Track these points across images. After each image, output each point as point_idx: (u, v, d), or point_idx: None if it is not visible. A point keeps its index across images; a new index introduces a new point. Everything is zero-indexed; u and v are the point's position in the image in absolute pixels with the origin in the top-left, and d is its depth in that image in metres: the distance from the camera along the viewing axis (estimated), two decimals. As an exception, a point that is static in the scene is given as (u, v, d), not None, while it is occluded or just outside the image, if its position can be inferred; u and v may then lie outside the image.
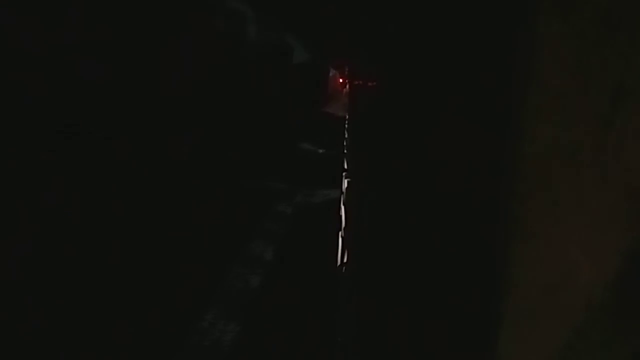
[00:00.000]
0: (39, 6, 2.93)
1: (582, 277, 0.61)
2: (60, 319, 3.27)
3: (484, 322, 0.80)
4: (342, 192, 7.74)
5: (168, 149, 5.35)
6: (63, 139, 3.15)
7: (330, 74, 27.58)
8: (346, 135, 13.24)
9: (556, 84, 0.62)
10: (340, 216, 6.52)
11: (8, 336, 2.85)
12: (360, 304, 3.34)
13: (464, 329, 1.00)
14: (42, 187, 2.96)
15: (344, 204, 6.79)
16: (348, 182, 7.45)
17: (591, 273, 0.60)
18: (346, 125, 14.95)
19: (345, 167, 9.16)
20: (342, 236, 5.51)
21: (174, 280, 4.36)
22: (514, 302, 0.71)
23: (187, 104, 5.75)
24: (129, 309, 3.76)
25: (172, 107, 5.24)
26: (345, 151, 11.00)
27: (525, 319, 0.70)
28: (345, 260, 4.73)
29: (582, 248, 0.61)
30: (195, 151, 6.39)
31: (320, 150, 13.10)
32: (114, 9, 3.70)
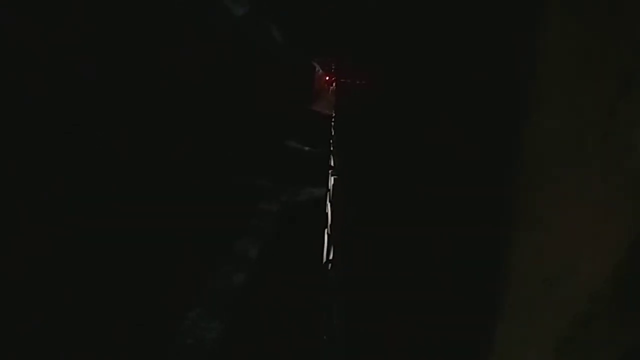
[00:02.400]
0: (39, 6, 2.92)
1: (585, 268, 0.60)
2: (51, 318, 3.25)
3: (482, 314, 0.80)
4: (328, 190, 7.79)
5: (161, 149, 5.32)
6: (63, 139, 3.14)
7: (317, 72, 27.50)
8: (333, 133, 13.26)
9: (561, 73, 0.61)
10: (327, 214, 6.57)
11: (7, 336, 2.83)
12: (347, 300, 3.37)
13: (461, 320, 1.02)
14: (42, 187, 2.95)
15: (330, 202, 6.84)
16: (334, 179, 7.51)
17: (594, 264, 0.59)
18: (332, 123, 14.97)
19: (332, 164, 9.21)
20: (328, 233, 5.56)
21: (159, 278, 4.31)
22: (515, 293, 0.71)
23: (179, 104, 5.72)
24: (115, 307, 3.72)
25: (166, 107, 5.21)
26: (331, 149, 11.05)
27: (526, 310, 0.69)
28: (331, 257, 4.79)
29: (585, 239, 0.60)
30: (184, 150, 6.36)
31: (306, 148, 13.11)
32: (114, 9, 3.68)
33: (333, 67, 25.85)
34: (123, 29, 3.83)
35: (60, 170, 3.14)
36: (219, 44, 7.37)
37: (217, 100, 7.77)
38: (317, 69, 27.13)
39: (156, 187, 5.26)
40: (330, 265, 4.66)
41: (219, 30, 7.21)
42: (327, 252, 5.18)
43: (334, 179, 7.54)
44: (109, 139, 3.60)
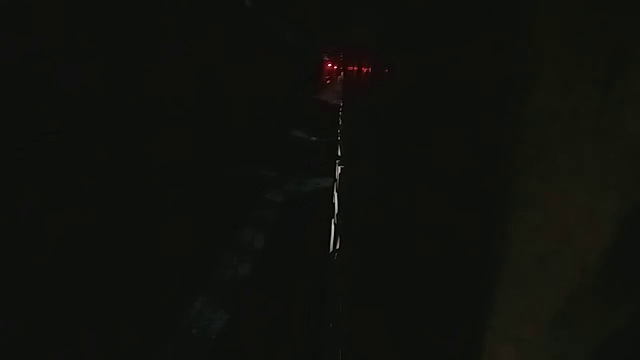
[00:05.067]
0: (14, 11, 2.83)
1: (579, 245, 0.63)
2: (49, 306, 3.26)
3: (476, 292, 0.80)
4: (335, 180, 7.73)
5: (163, 140, 5.30)
6: (62, 139, 3.10)
7: (324, 61, 27.42)
8: (340, 123, 13.19)
9: (552, 49, 0.60)
10: (333, 204, 6.51)
11: (7, 336, 2.83)
12: (351, 291, 3.33)
13: (454, 299, 0.99)
14: (42, 187, 2.93)
15: (337, 191, 6.78)
16: (342, 169, 7.44)
17: (588, 240, 0.62)
18: (340, 113, 14.89)
19: (339, 154, 9.14)
20: (334, 223, 5.51)
21: (164, 267, 4.36)
22: (509, 269, 0.71)
23: (179, 100, 5.68)
24: (119, 296, 3.76)
25: (167, 95, 5.17)
26: (338, 139, 10.97)
27: (520, 286, 0.71)
28: (337, 247, 4.73)
29: (579, 215, 0.63)
30: (187, 139, 6.33)
31: (313, 138, 13.03)
32: (114, 9, 3.61)
33: (341, 56, 25.72)
34: (123, 29, 3.78)
35: (60, 170, 3.11)
36: (222, 37, 7.29)
37: (220, 91, 7.71)
38: (324, 58, 27.04)
39: (158, 179, 5.24)
40: (336, 255, 4.62)
41: (220, 20, 7.12)
42: (333, 242, 5.13)
43: (341, 168, 7.46)
44: (108, 139, 3.56)
